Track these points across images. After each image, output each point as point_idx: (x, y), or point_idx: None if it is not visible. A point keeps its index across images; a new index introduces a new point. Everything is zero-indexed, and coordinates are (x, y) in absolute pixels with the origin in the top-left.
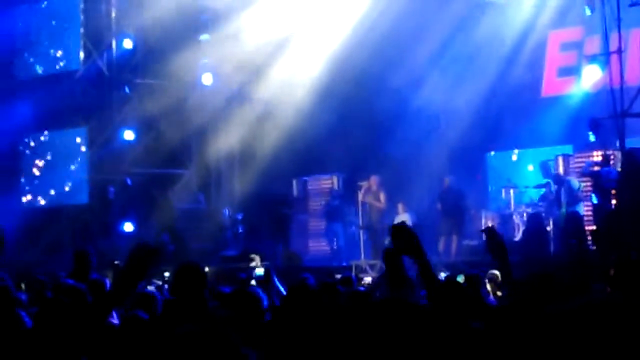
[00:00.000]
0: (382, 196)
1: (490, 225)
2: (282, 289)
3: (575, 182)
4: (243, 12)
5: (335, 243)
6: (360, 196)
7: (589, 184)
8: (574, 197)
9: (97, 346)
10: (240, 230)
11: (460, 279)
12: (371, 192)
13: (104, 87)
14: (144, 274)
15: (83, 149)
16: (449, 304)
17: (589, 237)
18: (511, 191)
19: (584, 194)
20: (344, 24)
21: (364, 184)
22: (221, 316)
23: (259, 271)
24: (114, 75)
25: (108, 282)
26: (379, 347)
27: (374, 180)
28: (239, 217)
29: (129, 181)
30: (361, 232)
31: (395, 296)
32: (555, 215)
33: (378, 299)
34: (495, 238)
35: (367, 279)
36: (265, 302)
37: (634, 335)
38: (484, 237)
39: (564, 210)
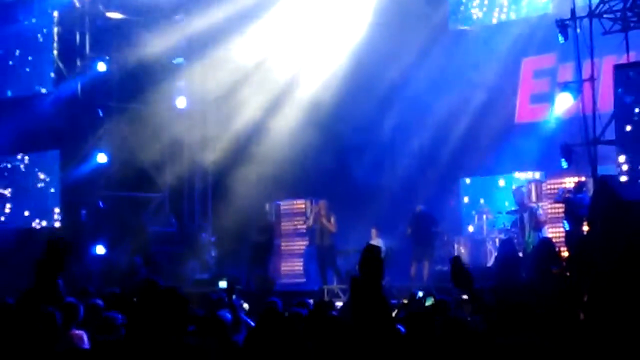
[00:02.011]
0: (332, 220)
1: (456, 255)
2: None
3: (537, 207)
4: (219, 37)
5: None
6: (310, 220)
7: (561, 210)
8: (537, 222)
9: None
10: (214, 254)
11: (430, 301)
12: (320, 216)
13: (77, 110)
14: (61, 266)
15: (55, 171)
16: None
17: (564, 264)
18: (484, 217)
19: (549, 218)
20: (317, 53)
21: (313, 208)
22: (187, 344)
23: (222, 284)
24: (87, 98)
25: (82, 308)
26: None
27: (322, 204)
28: (212, 240)
29: (101, 204)
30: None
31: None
32: (520, 242)
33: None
34: (460, 268)
35: (339, 304)
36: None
37: None
38: (450, 266)
39: (528, 238)
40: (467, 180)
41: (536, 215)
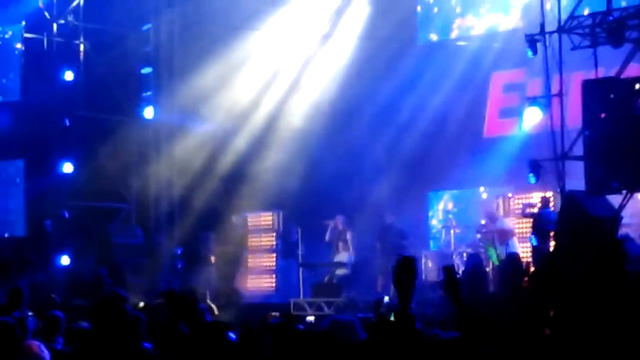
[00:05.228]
0: (349, 235)
1: (449, 264)
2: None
3: (505, 222)
4: (188, 49)
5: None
6: (327, 236)
7: (528, 225)
8: (504, 236)
9: None
10: (180, 266)
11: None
12: (337, 231)
13: (44, 119)
14: None
15: (20, 180)
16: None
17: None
18: (452, 231)
19: (517, 233)
20: (284, 68)
21: (329, 223)
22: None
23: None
24: (54, 107)
25: (32, 320)
26: None
27: (339, 220)
28: (178, 252)
29: (66, 214)
30: (301, 269)
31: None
32: (487, 257)
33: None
34: (452, 277)
35: (310, 318)
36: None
37: None
38: (443, 274)
39: (497, 251)
40: (434, 194)
41: (503, 229)
